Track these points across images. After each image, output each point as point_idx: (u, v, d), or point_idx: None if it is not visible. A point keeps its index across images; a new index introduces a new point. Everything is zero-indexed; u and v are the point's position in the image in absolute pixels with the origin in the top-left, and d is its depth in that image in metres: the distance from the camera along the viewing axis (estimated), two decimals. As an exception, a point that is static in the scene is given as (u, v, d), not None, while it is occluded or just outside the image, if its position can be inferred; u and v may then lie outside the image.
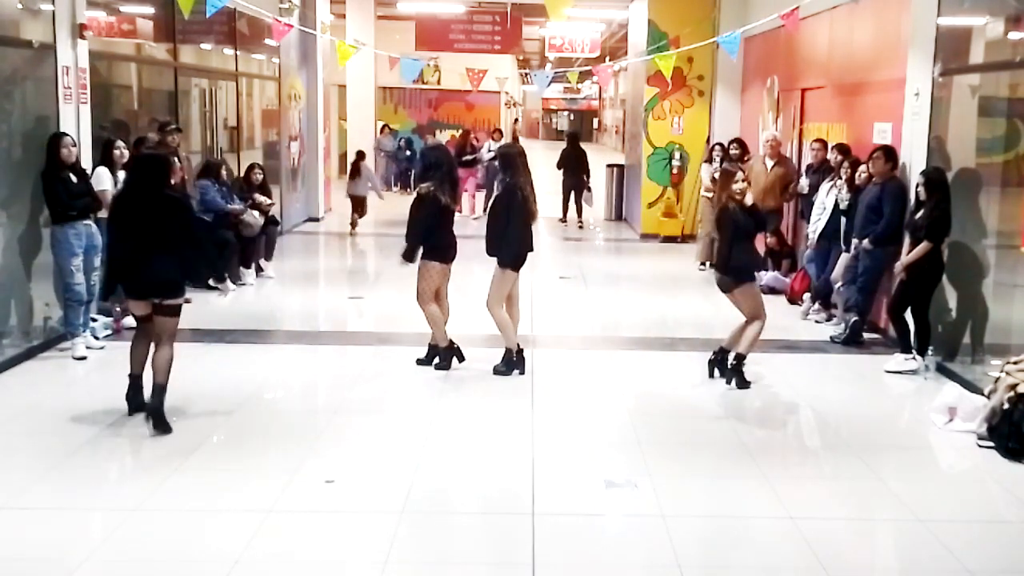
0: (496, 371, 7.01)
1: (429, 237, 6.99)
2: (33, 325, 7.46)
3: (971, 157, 7.51)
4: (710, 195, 10.21)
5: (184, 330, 8.25)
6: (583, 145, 17.09)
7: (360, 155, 15.16)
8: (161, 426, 5.62)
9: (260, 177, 10.66)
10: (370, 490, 4.91)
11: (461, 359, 7.16)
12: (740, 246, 6.76)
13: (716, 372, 6.97)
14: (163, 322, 5.77)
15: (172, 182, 5.99)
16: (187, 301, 6.02)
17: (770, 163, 10.50)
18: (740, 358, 6.83)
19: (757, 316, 6.82)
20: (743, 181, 6.81)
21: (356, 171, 14.71)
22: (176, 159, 9.18)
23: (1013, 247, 6.69)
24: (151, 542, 4.28)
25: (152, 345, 5.84)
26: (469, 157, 17.11)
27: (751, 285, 6.82)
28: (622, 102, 25.62)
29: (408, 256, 6.98)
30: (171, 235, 5.68)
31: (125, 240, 5.71)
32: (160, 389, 5.69)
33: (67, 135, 7.39)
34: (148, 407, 5.71)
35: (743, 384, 6.78)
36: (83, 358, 7.17)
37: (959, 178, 7.30)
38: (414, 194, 7.18)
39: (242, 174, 11.13)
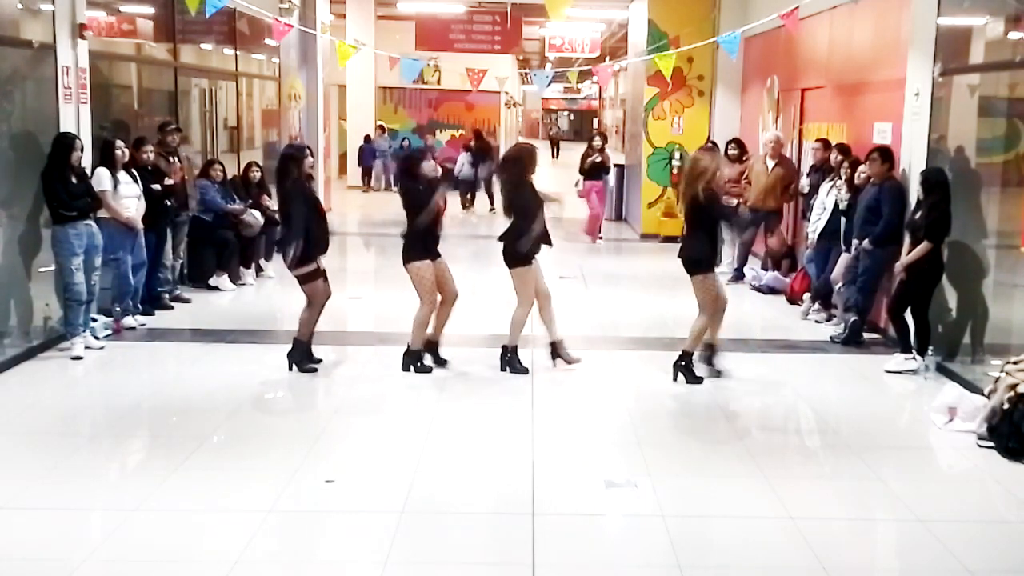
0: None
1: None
2: (33, 325, 7.46)
3: (971, 157, 7.51)
4: None
5: (184, 330, 8.35)
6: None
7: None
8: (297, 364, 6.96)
9: (258, 176, 10.65)
10: (370, 490, 4.91)
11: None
12: (705, 235, 6.82)
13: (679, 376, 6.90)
14: None
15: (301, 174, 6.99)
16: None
17: (771, 163, 10.51)
18: (687, 355, 6.85)
19: (703, 310, 6.84)
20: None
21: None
22: (176, 159, 9.25)
23: (1013, 247, 6.69)
24: (151, 542, 4.28)
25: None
26: (597, 159, 14.32)
27: (705, 277, 6.81)
28: (622, 102, 25.54)
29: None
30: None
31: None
32: (294, 341, 7.03)
33: (78, 138, 7.40)
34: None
35: (692, 380, 6.80)
36: (79, 358, 7.17)
37: (959, 178, 7.29)
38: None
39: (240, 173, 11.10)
